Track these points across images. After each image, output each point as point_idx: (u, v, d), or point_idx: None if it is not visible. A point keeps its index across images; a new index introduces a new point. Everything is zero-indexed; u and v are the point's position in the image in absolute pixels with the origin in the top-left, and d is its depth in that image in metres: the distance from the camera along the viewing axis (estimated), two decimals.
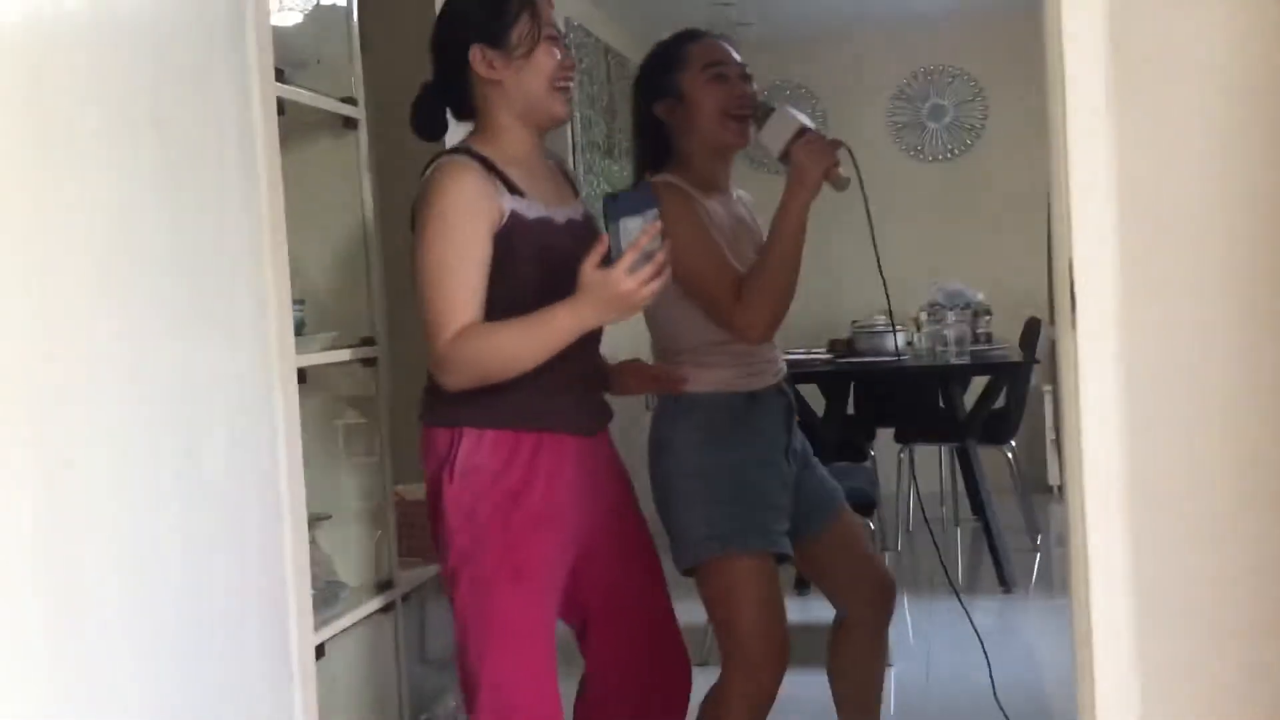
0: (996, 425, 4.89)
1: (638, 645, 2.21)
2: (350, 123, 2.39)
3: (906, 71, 6.62)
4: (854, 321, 5.13)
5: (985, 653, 2.77)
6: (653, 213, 1.90)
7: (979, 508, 4.67)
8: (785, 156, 2.25)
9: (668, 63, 2.38)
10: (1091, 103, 1.42)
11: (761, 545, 2.29)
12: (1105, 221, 1.42)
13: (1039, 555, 4.99)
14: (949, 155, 6.60)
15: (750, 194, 2.62)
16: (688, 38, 2.41)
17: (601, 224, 2.04)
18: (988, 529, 4.60)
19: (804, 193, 2.19)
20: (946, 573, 3.26)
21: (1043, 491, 5.71)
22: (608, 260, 1.88)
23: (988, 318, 5.18)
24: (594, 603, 2.18)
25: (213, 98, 1.66)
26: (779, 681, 2.32)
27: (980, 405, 4.77)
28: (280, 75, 2.03)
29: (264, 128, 1.78)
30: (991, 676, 2.73)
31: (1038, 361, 4.89)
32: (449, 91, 2.13)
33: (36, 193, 1.28)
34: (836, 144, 2.24)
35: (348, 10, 2.43)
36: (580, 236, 2.11)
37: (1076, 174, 1.43)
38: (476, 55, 2.06)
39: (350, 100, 2.38)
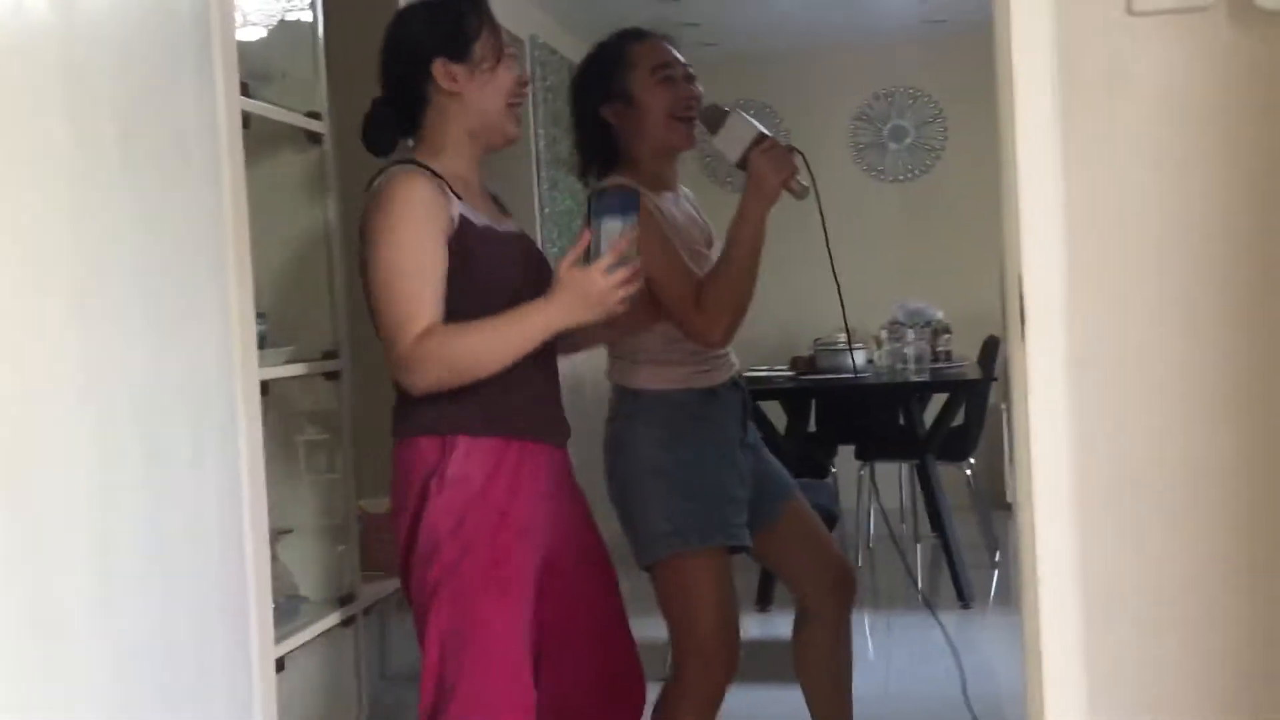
0: (955, 442, 4.94)
1: (594, 658, 2.21)
2: (315, 137, 2.41)
3: (868, 92, 6.69)
4: (816, 339, 5.17)
5: (958, 660, 2.79)
6: (634, 218, 1.90)
7: (938, 524, 4.72)
8: (743, 164, 2.23)
9: (613, 64, 2.36)
10: (1040, 120, 1.46)
11: (722, 540, 2.30)
12: (1053, 235, 1.46)
13: (997, 571, 5.04)
14: (910, 175, 6.67)
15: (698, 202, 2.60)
16: (631, 37, 2.39)
17: (538, 236, 2.04)
18: (947, 545, 4.64)
19: (762, 201, 2.19)
20: (917, 584, 3.28)
21: (1001, 508, 5.75)
22: (585, 260, 1.88)
23: (947, 336, 5.24)
24: (551, 615, 2.18)
25: (178, 110, 1.67)
26: (731, 678, 2.33)
27: (939, 422, 4.82)
28: (245, 89, 2.04)
29: (229, 140, 1.79)
30: (964, 680, 2.75)
31: (996, 379, 4.95)
32: (401, 106, 2.12)
33: None
34: (791, 151, 2.24)
35: (313, 26, 2.44)
36: (525, 247, 2.14)
37: (1025, 189, 1.47)
38: (439, 68, 2.05)
39: (315, 115, 2.40)
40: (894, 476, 5.76)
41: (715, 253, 2.37)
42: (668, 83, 2.33)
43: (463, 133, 2.09)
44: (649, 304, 2.21)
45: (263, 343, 2.22)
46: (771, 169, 2.19)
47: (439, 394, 1.98)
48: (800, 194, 2.26)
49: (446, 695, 2.01)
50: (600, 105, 2.35)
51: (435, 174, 2.04)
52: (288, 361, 2.27)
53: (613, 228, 1.88)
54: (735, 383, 2.45)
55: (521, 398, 2.03)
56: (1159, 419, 1.47)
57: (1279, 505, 1.46)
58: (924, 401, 5.00)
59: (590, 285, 1.87)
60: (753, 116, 2.31)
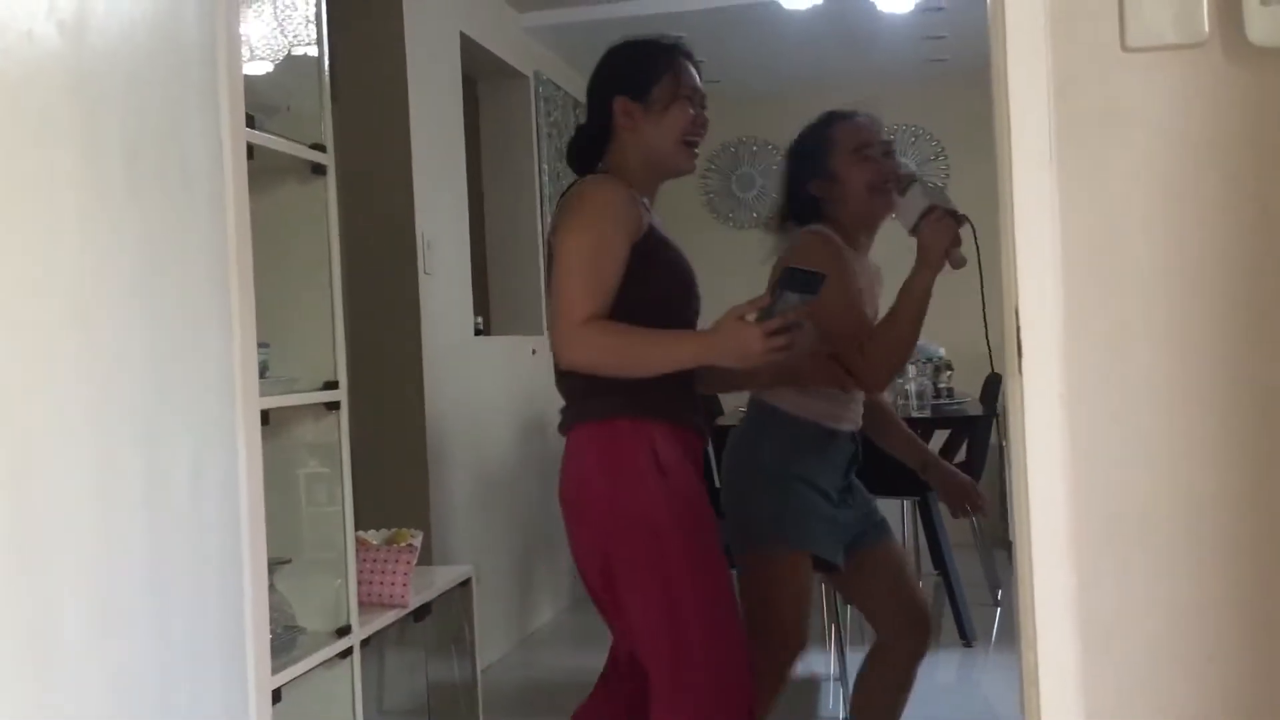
0: None
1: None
2: (319, 169, 2.42)
3: None
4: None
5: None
6: (811, 297, 2.06)
7: (940, 562, 4.70)
8: (915, 231, 2.44)
9: (818, 145, 2.65)
10: (1036, 155, 1.47)
11: (815, 548, 2.56)
12: (1049, 269, 1.47)
13: (999, 610, 5.02)
14: None
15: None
16: (836, 118, 2.68)
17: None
18: (949, 583, 4.62)
19: (927, 270, 2.43)
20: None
21: (1003, 547, 5.74)
22: (760, 315, 2.05)
23: (949, 373, 5.24)
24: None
25: (184, 140, 1.69)
26: (793, 664, 2.57)
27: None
28: (251, 121, 2.07)
29: (233, 170, 1.81)
30: None
31: (997, 416, 4.95)
32: (594, 133, 2.34)
33: (7, 225, 1.29)
34: (961, 221, 2.42)
35: (319, 60, 2.47)
36: (689, 266, 2.34)
37: (1021, 223, 1.48)
38: (619, 106, 2.28)
39: (319, 147, 2.41)
40: (896, 513, 5.74)
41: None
42: (866, 161, 2.59)
43: (638, 163, 2.30)
44: (785, 369, 2.46)
45: (264, 372, 2.23)
46: (936, 240, 2.40)
47: (629, 382, 2.14)
48: (958, 264, 2.46)
49: (689, 648, 2.15)
50: (808, 181, 2.64)
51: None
52: (288, 391, 2.27)
53: (791, 300, 2.04)
54: (853, 436, 2.70)
55: (685, 389, 2.23)
56: (1156, 452, 1.47)
57: (1276, 539, 1.46)
58: (926, 438, 4.98)
59: (749, 339, 2.03)
60: (932, 184, 2.54)
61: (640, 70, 2.28)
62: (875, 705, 2.74)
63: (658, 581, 2.16)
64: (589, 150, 2.35)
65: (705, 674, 2.16)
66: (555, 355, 2.18)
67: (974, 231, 2.43)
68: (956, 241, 2.41)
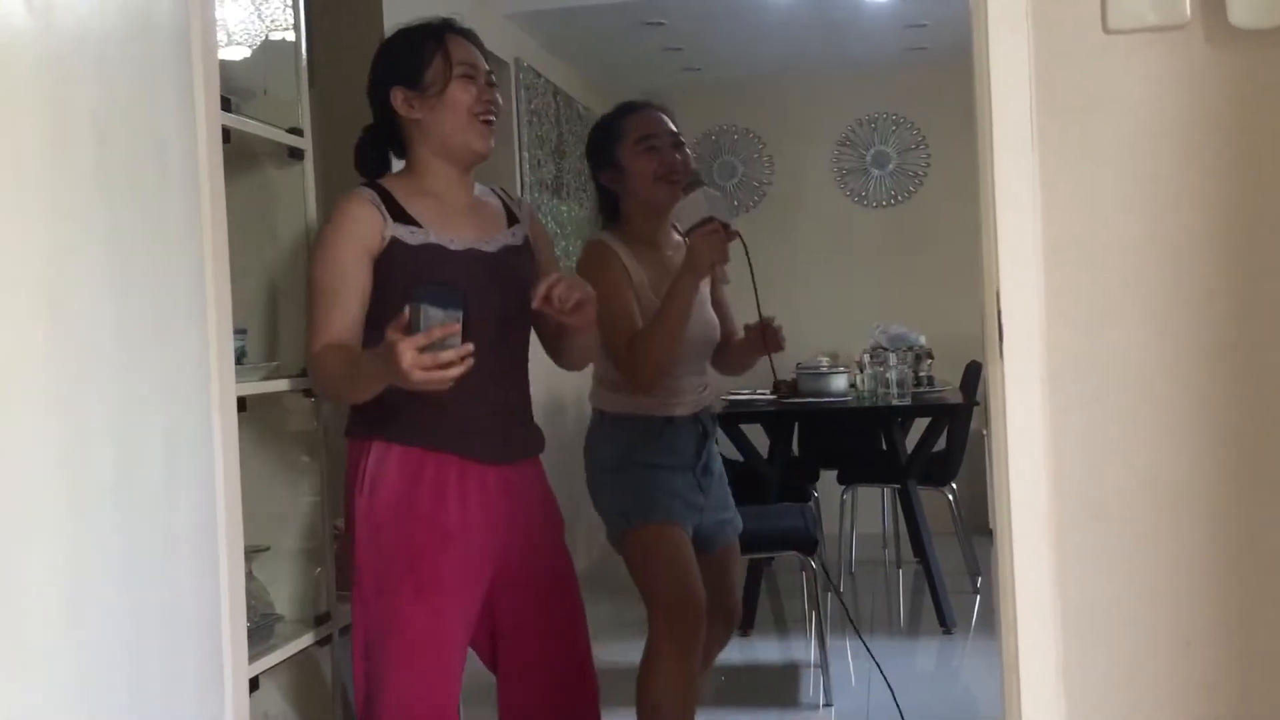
0: (937, 467, 4.94)
1: (549, 679, 2.23)
2: (296, 153, 2.40)
3: (851, 118, 6.73)
4: (798, 364, 5.18)
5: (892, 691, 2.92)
6: (456, 314, 1.92)
7: (920, 549, 4.71)
8: (688, 234, 2.58)
9: (608, 136, 2.73)
10: (1017, 138, 1.47)
11: (661, 518, 2.63)
12: (1030, 253, 1.47)
13: (979, 597, 5.04)
14: (893, 201, 6.71)
15: None
16: (626, 110, 2.75)
17: (525, 258, 2.25)
18: (928, 570, 4.63)
19: (691, 274, 2.56)
20: (849, 614, 3.28)
21: (983, 534, 5.75)
22: (409, 331, 1.90)
23: (929, 361, 5.25)
24: (505, 632, 2.21)
25: (157, 121, 1.67)
26: (699, 632, 2.61)
27: (921, 447, 4.82)
28: (227, 104, 2.04)
29: (208, 152, 1.79)
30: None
31: (978, 404, 4.96)
32: (385, 132, 2.26)
33: None
34: (732, 237, 2.55)
35: (296, 45, 2.44)
36: (481, 265, 2.19)
37: (1002, 207, 1.47)
38: (397, 96, 2.20)
39: (297, 131, 2.39)
40: (876, 501, 5.75)
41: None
42: (650, 151, 2.67)
43: (429, 154, 2.22)
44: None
45: (241, 358, 2.21)
46: (705, 250, 2.53)
47: (371, 400, 2.08)
48: (720, 280, 2.69)
49: (374, 693, 2.12)
50: (599, 172, 2.75)
51: (386, 195, 2.17)
52: (265, 378, 2.25)
53: (433, 315, 1.91)
54: (697, 418, 2.76)
55: (435, 414, 2.10)
56: (1137, 436, 1.47)
57: (1256, 524, 1.46)
58: (906, 426, 5.00)
59: (395, 356, 1.87)
60: (715, 192, 2.70)
61: (410, 57, 2.19)
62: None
63: (354, 602, 2.16)
64: (378, 150, 2.27)
65: (381, 710, 2.10)
66: None
67: (745, 248, 2.58)
68: (723, 257, 2.56)
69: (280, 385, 2.29)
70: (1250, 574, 1.46)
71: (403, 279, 2.10)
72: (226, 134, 1.98)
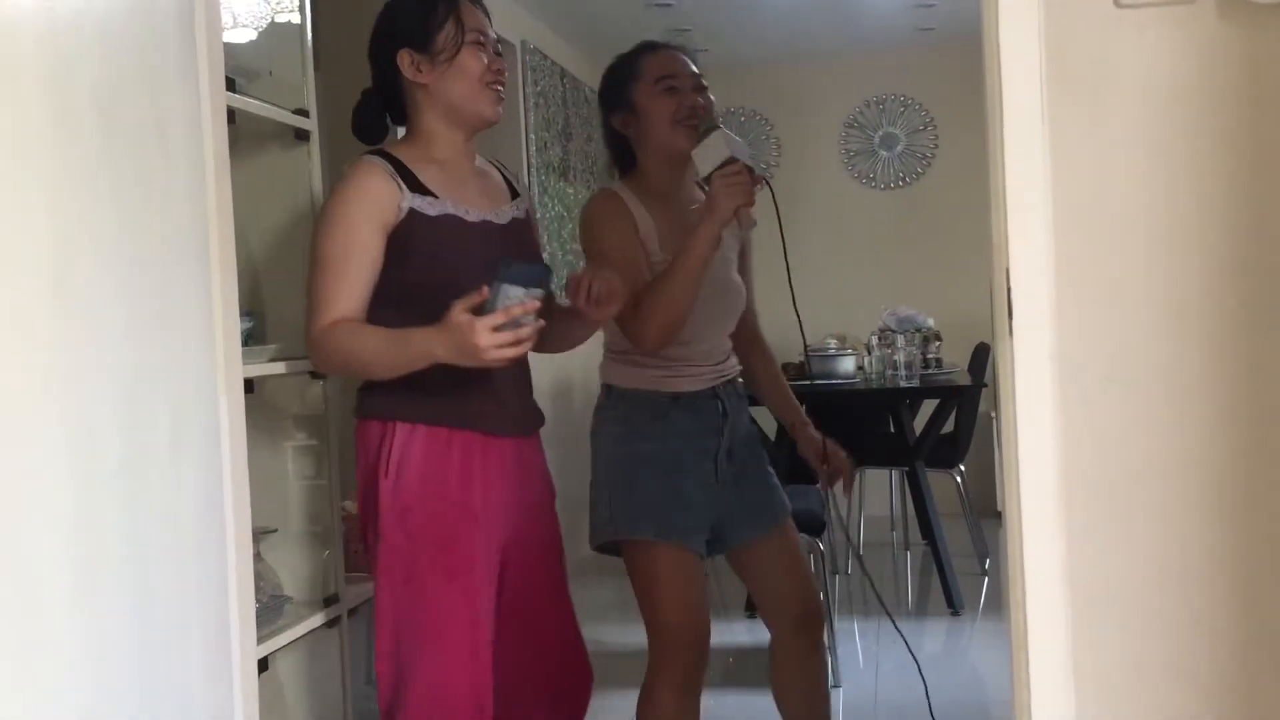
0: (946, 449, 4.93)
1: (543, 647, 2.24)
2: (302, 134, 2.39)
3: (859, 99, 6.70)
4: (806, 346, 5.16)
5: (922, 675, 2.79)
6: (537, 292, 1.93)
7: (928, 531, 4.70)
8: (707, 180, 2.31)
9: (623, 76, 2.46)
10: (1027, 114, 1.45)
11: (651, 535, 2.35)
12: (1040, 230, 1.46)
13: (987, 579, 5.04)
14: (901, 183, 6.68)
15: None
16: (644, 49, 2.49)
17: (529, 233, 2.18)
18: (936, 552, 4.63)
19: (713, 223, 2.26)
20: (876, 593, 3.28)
21: (991, 516, 5.76)
22: (481, 310, 1.89)
23: (938, 343, 5.24)
24: (506, 605, 2.20)
25: (161, 101, 1.66)
26: (701, 664, 2.38)
27: (929, 429, 4.81)
28: (232, 85, 2.03)
29: (213, 133, 1.78)
30: (929, 698, 2.76)
31: (986, 386, 4.95)
32: (385, 96, 2.19)
33: None
34: (758, 181, 2.29)
35: (301, 27, 2.43)
36: (496, 239, 2.16)
37: (1012, 183, 1.46)
38: (404, 59, 2.12)
39: (302, 112, 2.38)
40: (884, 483, 5.75)
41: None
42: (670, 92, 2.41)
43: (436, 120, 2.15)
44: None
45: (249, 339, 2.21)
46: (727, 195, 2.25)
47: (388, 381, 2.04)
48: (746, 225, 2.35)
49: (405, 678, 2.06)
50: (611, 115, 2.47)
51: (399, 164, 2.09)
52: (272, 359, 2.25)
53: (514, 294, 1.89)
54: (715, 393, 2.46)
55: (456, 392, 2.05)
56: (1147, 415, 1.46)
57: (1266, 503, 1.46)
58: (914, 408, 4.99)
59: (470, 336, 1.86)
60: (734, 134, 2.37)
61: (420, 19, 2.10)
62: (797, 706, 2.58)
63: (381, 588, 2.08)
64: (379, 115, 2.19)
65: (412, 715, 2.06)
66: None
67: (773, 194, 2.32)
68: (749, 200, 2.28)
69: (286, 367, 2.29)
70: (1261, 553, 1.45)
71: (423, 251, 2.06)
72: (232, 115, 1.97)
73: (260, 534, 2.24)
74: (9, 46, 1.32)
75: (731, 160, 2.28)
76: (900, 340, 4.99)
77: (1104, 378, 1.46)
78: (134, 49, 1.59)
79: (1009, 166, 1.46)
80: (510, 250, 2.14)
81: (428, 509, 2.07)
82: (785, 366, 5.19)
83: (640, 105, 2.42)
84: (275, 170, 2.39)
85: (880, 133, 6.68)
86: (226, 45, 1.93)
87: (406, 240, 2.06)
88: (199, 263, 1.76)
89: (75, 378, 1.43)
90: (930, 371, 5.06)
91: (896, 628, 2.86)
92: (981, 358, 4.98)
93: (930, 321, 5.29)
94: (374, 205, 2.04)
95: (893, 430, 5.01)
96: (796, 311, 2.50)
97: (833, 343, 5.19)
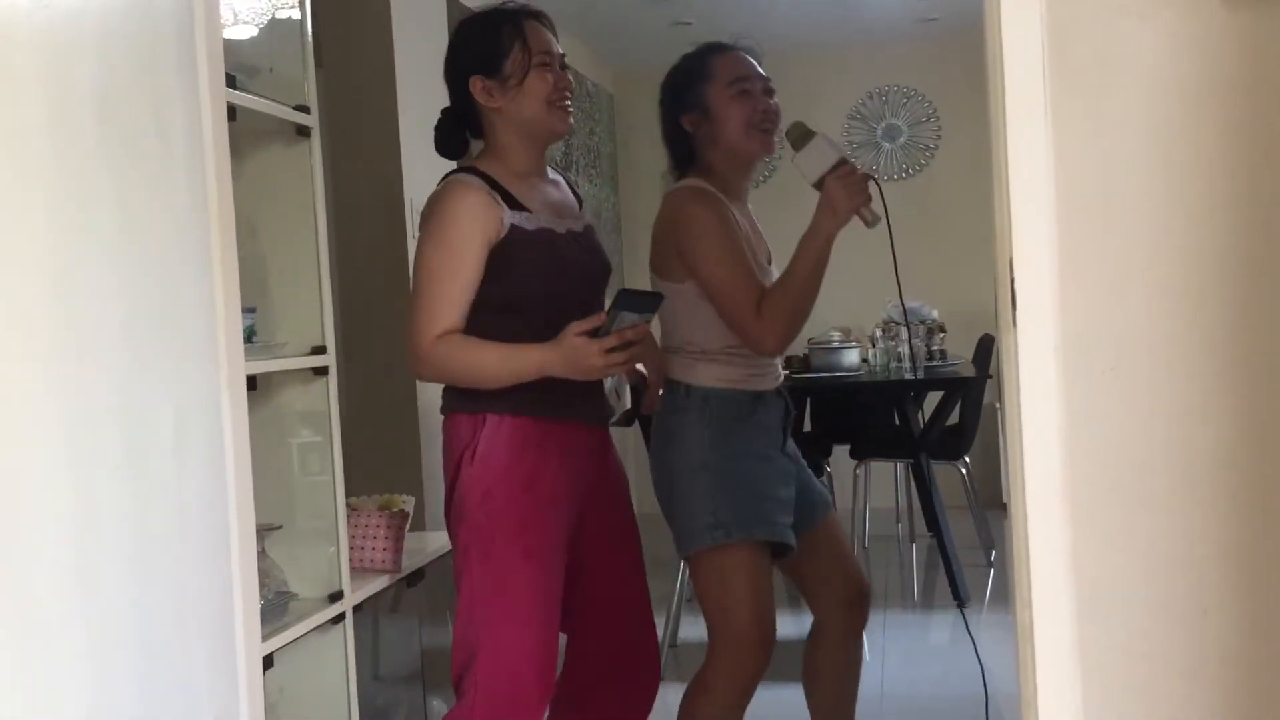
0: (951, 441, 4.93)
1: (616, 633, 2.35)
2: (303, 131, 2.39)
3: (862, 91, 6.69)
4: (810, 339, 5.16)
5: (980, 662, 2.78)
6: (649, 317, 2.12)
7: (934, 523, 4.70)
8: (820, 184, 2.34)
9: (694, 76, 2.48)
10: (1030, 102, 1.45)
11: (764, 534, 2.38)
12: (1044, 219, 1.45)
13: (993, 571, 5.03)
14: (904, 175, 6.67)
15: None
16: (714, 50, 2.52)
17: (597, 243, 2.35)
18: (942, 545, 4.62)
19: (834, 223, 2.30)
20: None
21: (997, 507, 5.75)
22: (595, 332, 2.08)
23: (942, 335, 5.22)
24: (581, 588, 2.31)
25: (160, 98, 1.66)
26: (764, 667, 2.40)
27: (934, 421, 4.80)
28: (232, 82, 2.03)
29: (213, 130, 1.78)
30: (985, 689, 2.74)
31: (991, 377, 4.94)
32: (461, 115, 2.30)
33: None
34: (868, 178, 2.33)
35: (301, 23, 2.43)
36: (583, 248, 2.31)
37: (1015, 172, 1.45)
38: (476, 85, 2.23)
39: (303, 108, 2.38)
40: (889, 476, 5.74)
41: (776, 270, 2.50)
42: (744, 96, 2.44)
43: (512, 136, 2.26)
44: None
45: (250, 337, 2.21)
46: (846, 195, 2.29)
47: None
48: (871, 222, 2.36)
49: (477, 647, 2.17)
50: (680, 115, 2.48)
51: (491, 180, 2.20)
52: (275, 357, 2.25)
53: (628, 319, 2.08)
54: (780, 392, 2.53)
55: (550, 383, 2.15)
56: (1153, 405, 1.46)
57: (1272, 494, 1.45)
58: (919, 400, 4.98)
59: (586, 356, 2.08)
60: (830, 137, 2.41)
61: (489, 45, 2.22)
62: (827, 694, 2.60)
63: (463, 571, 2.20)
64: (458, 132, 2.31)
65: (479, 679, 2.16)
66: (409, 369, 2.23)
67: (880, 189, 2.35)
68: (866, 198, 2.31)
69: (289, 364, 2.29)
70: (1267, 543, 1.45)
71: (525, 264, 2.17)
72: (232, 112, 1.97)
73: (264, 530, 2.24)
74: (7, 44, 1.32)
75: (843, 162, 2.33)
76: (905, 332, 4.98)
77: (1108, 369, 1.46)
78: (133, 46, 1.59)
79: (1012, 157, 1.46)
80: (592, 256, 2.32)
81: (508, 493, 2.17)
82: (789, 360, 5.20)
83: (713, 107, 2.43)
84: (276, 166, 2.39)
85: (883, 124, 6.67)
86: (226, 41, 1.94)
87: (509, 255, 2.17)
88: (200, 259, 1.76)
89: (75, 376, 1.42)
90: (934, 363, 5.05)
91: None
92: (986, 349, 4.97)
93: (934, 313, 5.28)
94: (478, 222, 2.15)
95: (897, 423, 5.00)
96: (903, 304, 2.69)
97: (836, 335, 5.18)
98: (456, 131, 2.31)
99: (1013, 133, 1.45)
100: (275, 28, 2.42)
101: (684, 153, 2.49)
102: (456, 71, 2.27)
